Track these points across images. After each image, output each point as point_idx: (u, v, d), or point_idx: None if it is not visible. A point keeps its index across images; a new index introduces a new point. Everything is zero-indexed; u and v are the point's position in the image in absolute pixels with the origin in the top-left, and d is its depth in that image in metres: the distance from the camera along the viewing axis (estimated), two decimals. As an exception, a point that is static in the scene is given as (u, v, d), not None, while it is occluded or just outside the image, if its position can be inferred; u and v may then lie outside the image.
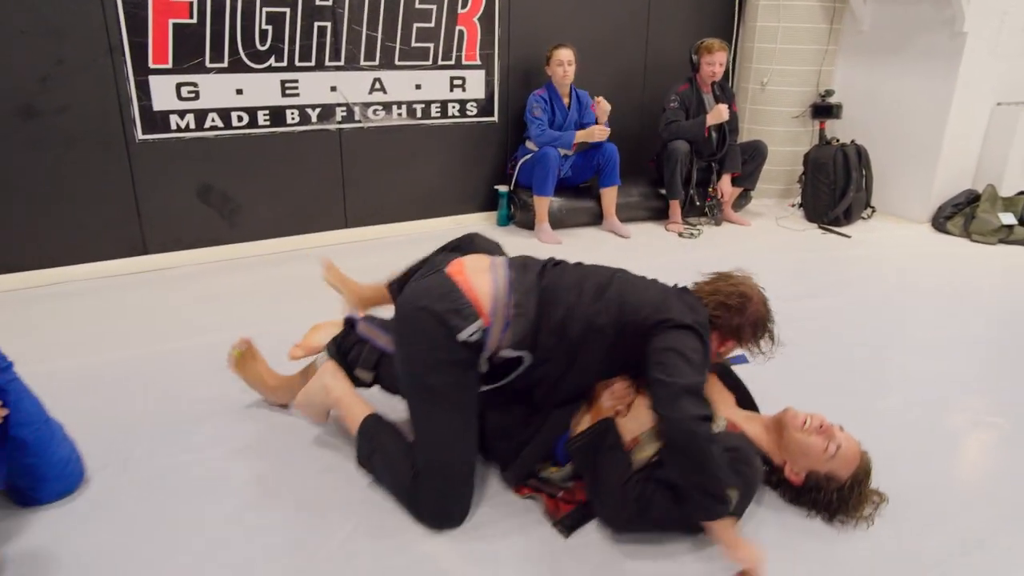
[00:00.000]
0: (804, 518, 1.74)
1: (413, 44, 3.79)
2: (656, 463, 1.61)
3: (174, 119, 3.31)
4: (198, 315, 2.91)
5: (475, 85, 4.08)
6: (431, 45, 3.85)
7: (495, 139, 4.29)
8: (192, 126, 3.36)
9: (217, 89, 3.36)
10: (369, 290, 2.12)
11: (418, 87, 3.89)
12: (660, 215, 4.51)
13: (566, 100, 4.15)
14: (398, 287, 2.00)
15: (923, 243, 4.22)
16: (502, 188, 4.28)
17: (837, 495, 1.67)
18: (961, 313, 3.15)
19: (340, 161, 3.79)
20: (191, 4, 3.18)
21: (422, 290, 1.68)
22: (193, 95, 3.32)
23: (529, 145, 4.18)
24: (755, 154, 4.45)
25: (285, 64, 3.48)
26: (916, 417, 2.24)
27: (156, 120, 3.27)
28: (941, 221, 4.42)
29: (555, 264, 1.80)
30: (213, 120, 3.39)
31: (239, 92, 3.41)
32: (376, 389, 1.98)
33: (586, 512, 1.69)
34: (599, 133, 4.06)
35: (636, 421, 1.70)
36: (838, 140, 4.56)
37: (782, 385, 2.21)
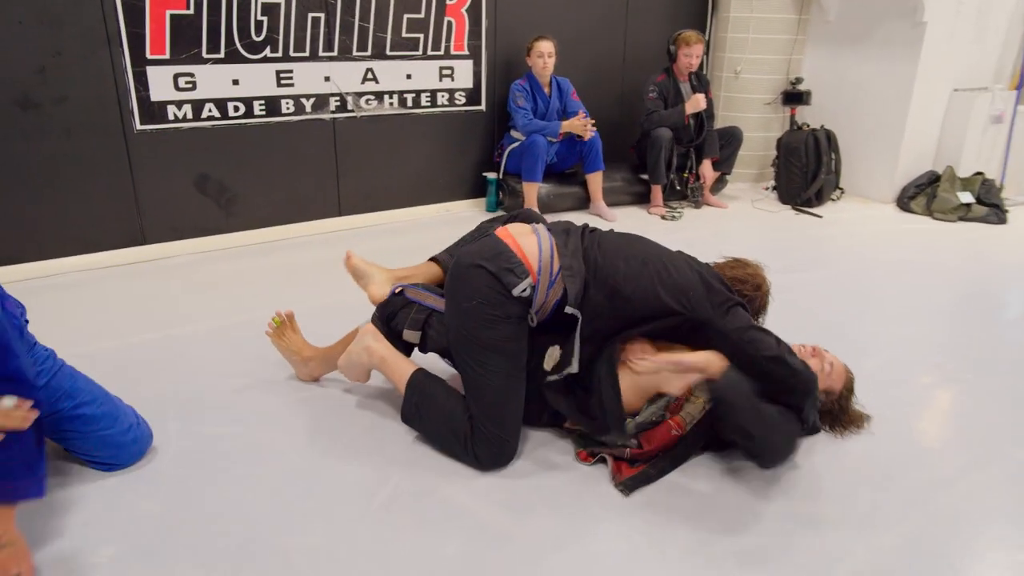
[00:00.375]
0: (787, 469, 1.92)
1: (404, 35, 3.89)
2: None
3: (171, 109, 3.35)
4: (202, 302, 2.98)
5: (463, 75, 4.19)
6: (421, 36, 3.95)
7: (482, 127, 4.40)
8: (189, 116, 3.41)
9: (214, 79, 3.41)
10: (403, 271, 2.22)
11: (409, 77, 3.98)
12: (642, 199, 4.69)
13: (547, 89, 4.29)
14: (448, 256, 2.12)
15: (889, 221, 4.47)
16: (490, 175, 4.40)
17: (839, 405, 1.95)
18: (926, 284, 3.38)
19: (334, 150, 3.87)
20: (188, -5, 3.24)
21: (475, 251, 1.83)
22: (190, 85, 3.37)
23: (514, 133, 4.30)
24: (731, 140, 4.65)
25: (280, 55, 3.54)
26: (892, 376, 2.44)
27: (154, 110, 3.31)
28: (905, 201, 4.68)
29: (591, 230, 1.98)
30: (210, 110, 3.45)
31: (235, 82, 3.47)
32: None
33: (648, 475, 1.81)
34: (581, 127, 4.20)
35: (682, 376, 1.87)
36: (808, 125, 4.78)
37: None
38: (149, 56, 3.23)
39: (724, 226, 4.30)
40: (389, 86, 3.93)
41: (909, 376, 2.46)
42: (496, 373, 1.79)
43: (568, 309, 1.81)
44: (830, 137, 4.75)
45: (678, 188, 4.64)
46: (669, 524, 1.68)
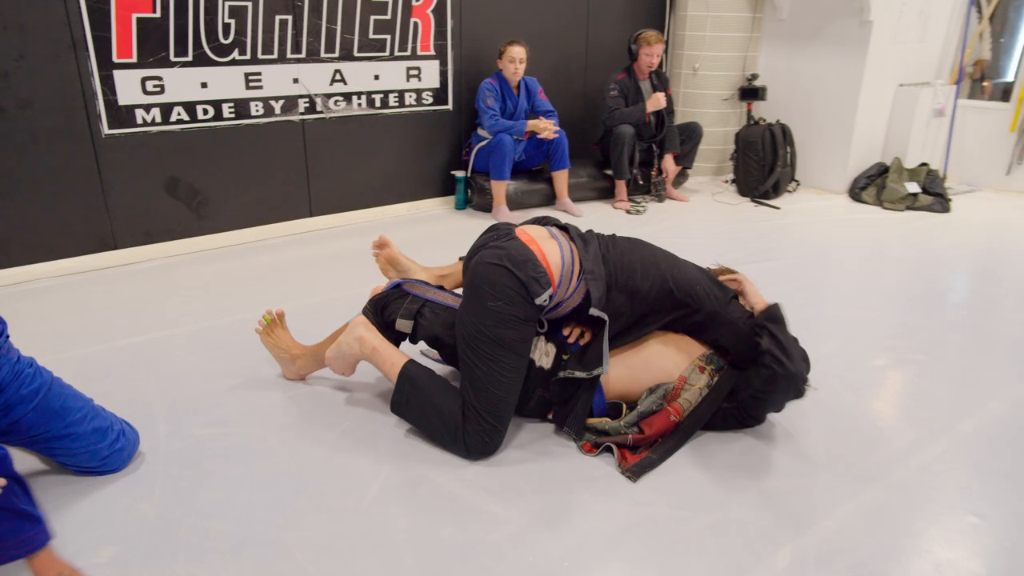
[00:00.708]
0: (746, 451, 2.05)
1: (371, 36, 3.93)
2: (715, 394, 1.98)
3: (140, 113, 3.34)
4: (179, 306, 2.99)
5: (430, 75, 4.24)
6: (388, 37, 3.99)
7: (450, 126, 4.47)
8: (158, 120, 3.40)
9: (182, 83, 3.41)
10: (440, 269, 2.31)
11: (376, 78, 4.02)
12: (607, 194, 4.81)
13: (516, 90, 4.37)
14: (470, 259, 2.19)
15: (842, 211, 4.68)
16: (459, 173, 4.47)
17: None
18: (878, 270, 3.57)
19: (304, 151, 3.90)
20: (154, -2, 3.23)
21: (504, 253, 1.89)
22: (158, 89, 3.36)
23: (481, 132, 4.38)
24: (691, 135, 4.80)
25: (248, 57, 3.56)
26: (850, 357, 2.60)
27: (122, 114, 3.30)
28: (857, 191, 4.90)
29: (605, 236, 2.12)
30: (179, 114, 3.44)
31: (204, 85, 3.47)
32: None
33: (651, 460, 1.92)
34: (546, 127, 4.30)
35: (671, 361, 2.01)
36: (764, 120, 4.96)
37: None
38: (116, 60, 3.22)
39: (686, 219, 4.44)
40: (357, 87, 3.97)
41: (864, 358, 2.62)
42: (506, 370, 1.88)
43: (593, 311, 1.93)
44: (785, 131, 4.94)
45: (641, 183, 4.77)
46: (651, 503, 1.79)
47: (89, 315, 2.89)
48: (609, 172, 4.74)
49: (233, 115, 3.60)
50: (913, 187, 4.71)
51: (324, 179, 4.02)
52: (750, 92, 5.09)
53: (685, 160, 4.87)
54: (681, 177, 5.01)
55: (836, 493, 1.84)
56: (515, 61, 4.21)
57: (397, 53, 4.06)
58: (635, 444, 1.95)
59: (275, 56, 3.64)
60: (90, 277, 3.31)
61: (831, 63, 4.89)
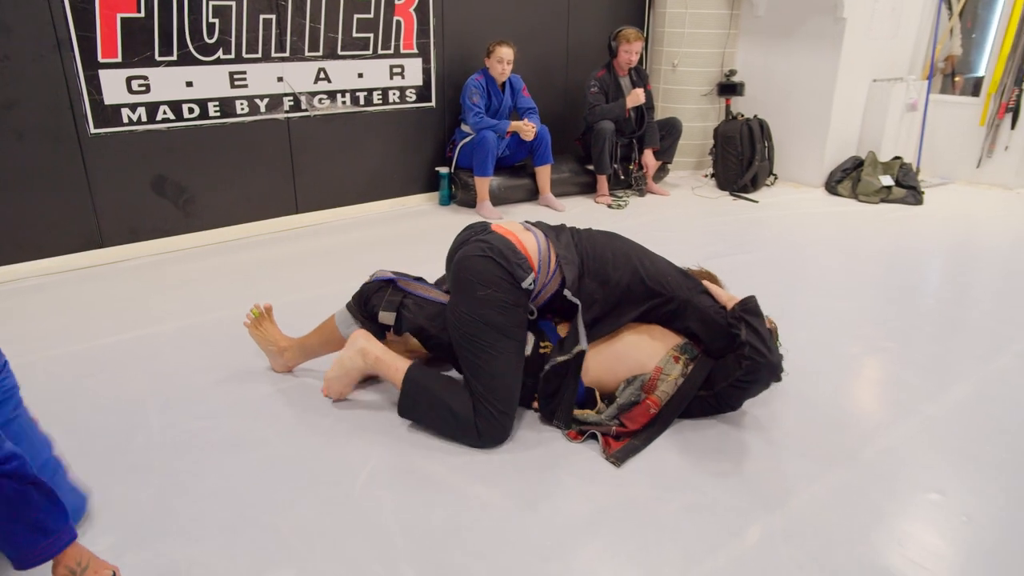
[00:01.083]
0: (722, 436, 2.13)
1: (354, 35, 3.97)
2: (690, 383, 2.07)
3: (126, 112, 3.37)
4: (167, 302, 3.03)
5: (413, 72, 4.30)
6: (371, 35, 4.04)
7: (433, 123, 4.52)
8: (144, 119, 3.43)
9: (167, 82, 3.44)
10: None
11: (360, 76, 4.07)
12: (588, 189, 4.89)
13: (501, 88, 4.44)
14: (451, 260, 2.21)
15: (819, 204, 4.79)
16: (443, 170, 4.53)
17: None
18: (853, 261, 3.68)
19: (289, 149, 3.94)
20: (138, -2, 3.26)
21: (486, 245, 1.98)
22: (144, 88, 3.39)
23: (465, 128, 4.44)
24: (671, 130, 4.89)
25: (233, 56, 3.59)
26: (823, 345, 2.70)
27: (108, 114, 3.32)
28: (833, 185, 5.01)
29: (573, 228, 2.20)
30: (165, 112, 3.48)
31: (189, 84, 3.50)
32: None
33: (634, 446, 2.00)
34: (527, 129, 4.38)
35: (646, 352, 2.09)
36: (743, 115, 5.06)
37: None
38: (101, 60, 3.24)
39: (667, 213, 4.53)
40: (341, 85, 4.02)
41: (836, 346, 2.71)
42: (505, 356, 1.96)
43: (566, 294, 2.02)
44: (763, 126, 5.04)
45: (622, 178, 4.86)
46: (631, 485, 1.87)
47: (77, 313, 2.93)
48: (591, 167, 4.81)
49: (218, 114, 3.64)
50: (887, 180, 4.83)
51: (309, 176, 4.07)
52: (728, 88, 5.19)
53: (665, 155, 4.96)
54: (662, 172, 5.10)
55: (806, 473, 1.93)
56: (503, 62, 4.27)
57: (380, 51, 4.11)
58: (618, 435, 2.04)
59: (259, 55, 3.67)
60: (78, 275, 3.34)
61: (807, 59, 5.00)
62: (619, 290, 2.07)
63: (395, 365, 2.08)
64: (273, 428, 2.11)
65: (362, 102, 4.13)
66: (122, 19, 3.24)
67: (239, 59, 3.61)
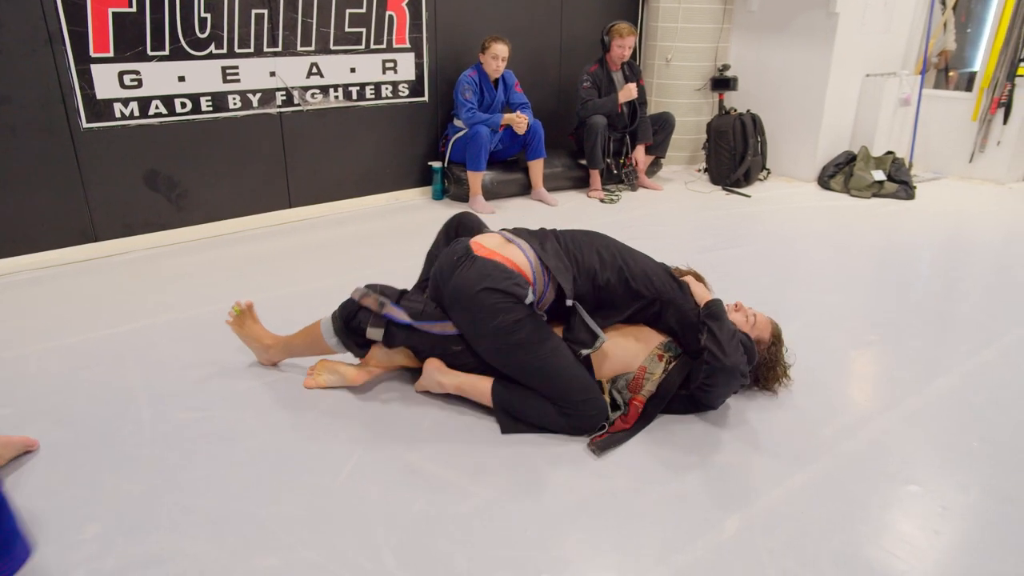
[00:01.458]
0: (704, 428, 2.16)
1: (346, 29, 3.98)
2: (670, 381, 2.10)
3: (118, 107, 3.38)
4: (159, 296, 3.05)
5: (406, 67, 4.30)
6: (363, 30, 4.05)
7: (426, 118, 4.53)
8: (136, 113, 3.44)
9: (159, 76, 3.45)
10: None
11: (353, 70, 4.08)
12: (581, 184, 4.90)
13: (494, 84, 4.45)
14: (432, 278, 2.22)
15: (811, 199, 4.81)
16: (436, 164, 4.54)
17: (769, 354, 2.20)
18: (843, 255, 3.70)
19: (282, 144, 3.95)
20: (129, -7, 3.26)
21: (476, 276, 1.99)
22: (136, 83, 3.40)
23: (457, 123, 4.45)
24: (664, 125, 4.90)
25: (225, 51, 3.60)
26: (809, 339, 2.72)
27: (100, 108, 3.34)
28: (825, 179, 5.03)
29: (554, 231, 2.22)
30: (157, 107, 3.49)
31: (181, 79, 3.51)
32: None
33: (616, 438, 2.03)
34: (520, 122, 4.39)
35: (630, 352, 2.12)
36: (736, 110, 5.07)
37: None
38: (93, 54, 3.25)
39: (659, 207, 4.55)
40: (334, 80, 4.03)
41: (827, 339, 2.74)
42: (552, 357, 2.00)
43: (569, 302, 2.06)
44: (756, 121, 5.05)
45: (615, 172, 4.87)
46: (612, 477, 1.89)
47: (71, 306, 2.95)
48: (583, 162, 4.83)
49: (211, 108, 3.65)
50: (879, 175, 4.84)
51: (302, 171, 4.08)
52: (721, 82, 5.20)
53: (658, 150, 4.97)
54: (655, 166, 5.12)
55: (787, 465, 1.95)
56: (498, 58, 4.28)
57: (373, 46, 4.12)
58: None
59: (252, 50, 3.68)
60: (71, 269, 3.36)
61: (800, 54, 5.01)
62: (606, 291, 2.11)
63: (478, 387, 2.12)
64: (261, 420, 2.14)
65: (355, 97, 4.15)
66: (114, 14, 3.25)
67: (231, 54, 3.62)
